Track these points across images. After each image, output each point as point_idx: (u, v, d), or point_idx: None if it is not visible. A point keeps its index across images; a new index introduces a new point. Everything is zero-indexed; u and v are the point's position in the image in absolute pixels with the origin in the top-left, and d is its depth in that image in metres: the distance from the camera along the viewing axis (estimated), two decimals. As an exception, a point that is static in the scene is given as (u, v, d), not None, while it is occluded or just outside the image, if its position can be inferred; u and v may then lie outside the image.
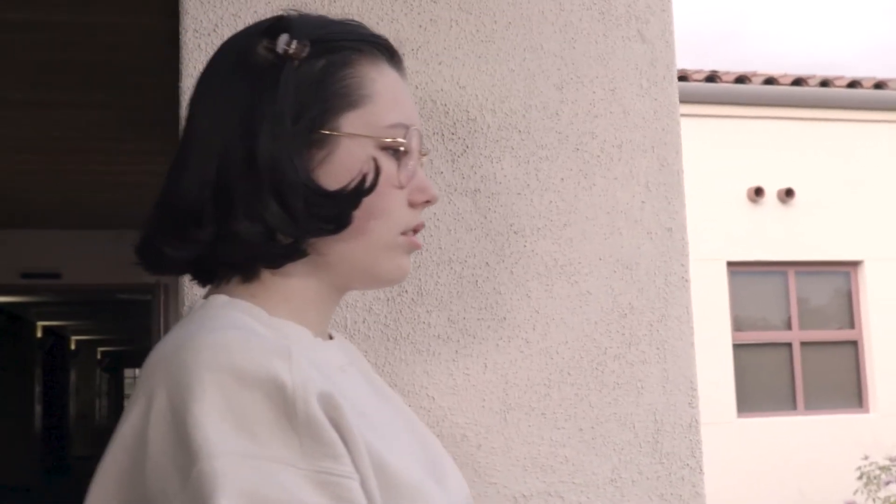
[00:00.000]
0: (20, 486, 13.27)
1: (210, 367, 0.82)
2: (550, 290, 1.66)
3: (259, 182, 0.93)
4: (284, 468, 0.80)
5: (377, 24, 1.65)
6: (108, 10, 3.75)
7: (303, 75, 0.95)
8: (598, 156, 1.71)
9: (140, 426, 0.84)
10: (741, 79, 10.22)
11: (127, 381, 29.34)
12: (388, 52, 1.03)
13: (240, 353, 0.83)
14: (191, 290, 1.55)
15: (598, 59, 1.74)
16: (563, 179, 1.69)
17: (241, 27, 1.60)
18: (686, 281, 1.72)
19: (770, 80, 10.26)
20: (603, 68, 1.74)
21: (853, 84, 10.40)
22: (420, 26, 1.67)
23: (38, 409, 14.84)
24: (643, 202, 1.72)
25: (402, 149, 0.98)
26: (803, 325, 10.39)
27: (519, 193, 1.68)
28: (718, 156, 10.00)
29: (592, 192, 1.70)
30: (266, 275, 0.98)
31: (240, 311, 0.94)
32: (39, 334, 15.52)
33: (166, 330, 1.46)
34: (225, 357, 0.83)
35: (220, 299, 0.96)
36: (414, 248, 1.02)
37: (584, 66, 1.73)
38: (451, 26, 1.68)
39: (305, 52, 0.95)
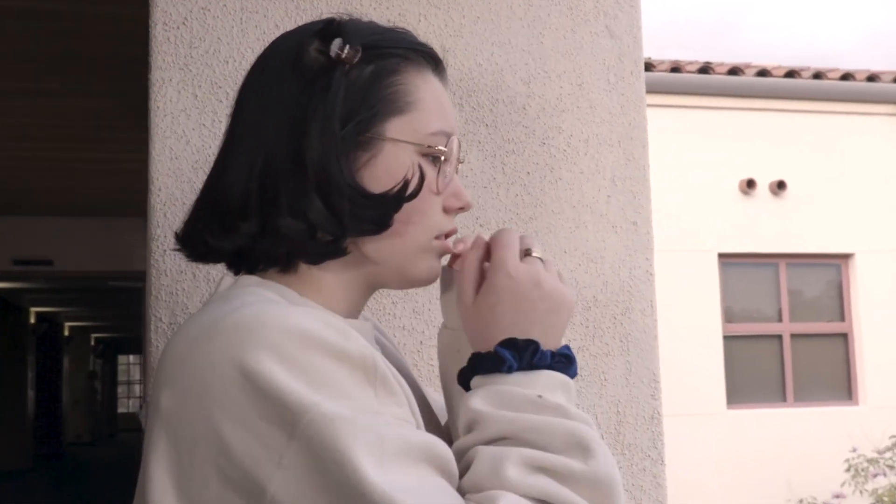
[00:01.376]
0: (14, 472, 13.31)
1: (274, 332, 0.86)
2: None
3: (305, 180, 0.96)
4: (374, 414, 0.85)
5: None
6: None
7: (352, 79, 0.99)
8: (565, 150, 1.73)
9: (201, 399, 0.86)
10: (734, 70, 10.23)
11: (120, 368, 29.39)
12: (432, 61, 1.06)
13: (300, 318, 0.88)
14: (158, 279, 1.57)
15: (565, 54, 1.76)
16: (529, 173, 1.71)
17: (209, 20, 1.62)
18: (650, 275, 1.74)
19: (763, 72, 10.27)
20: (570, 63, 1.76)
21: (846, 76, 10.41)
22: (388, 20, 1.68)
23: (31, 394, 14.86)
24: (609, 196, 1.74)
25: (442, 157, 1.02)
26: (794, 318, 10.42)
27: (485, 187, 1.69)
28: (711, 147, 10.01)
29: (558, 185, 1.72)
30: (303, 267, 1.01)
31: (272, 290, 0.98)
32: (33, 320, 15.54)
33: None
34: (286, 321, 0.87)
35: (252, 279, 1.00)
36: (446, 251, 1.06)
37: (552, 61, 1.75)
38: (420, 20, 1.70)
39: (357, 57, 0.99)
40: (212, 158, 1.58)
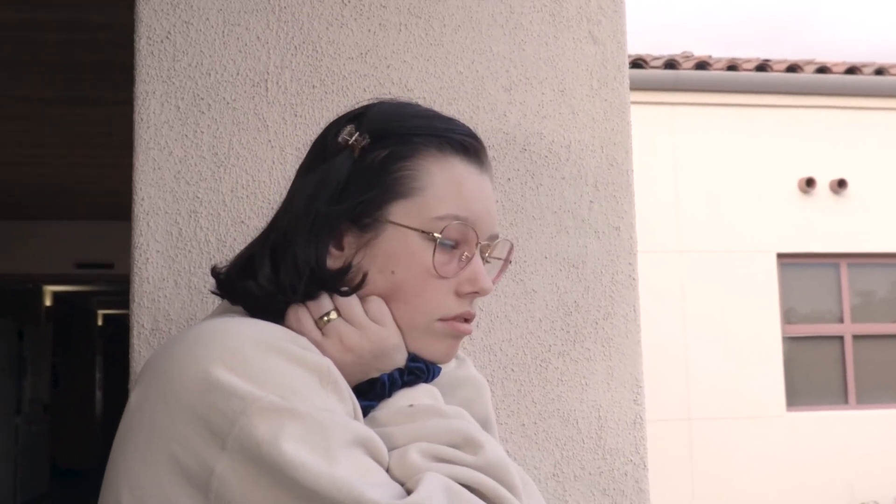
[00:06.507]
0: (82, 470, 13.60)
1: (233, 337, 0.94)
2: (495, 289, 1.69)
3: (266, 244, 1.04)
4: (322, 410, 0.91)
5: (326, 28, 1.69)
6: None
7: (361, 164, 1.04)
8: (546, 156, 1.74)
9: (163, 394, 0.93)
10: (793, 67, 10.07)
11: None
12: (461, 147, 1.07)
13: (259, 326, 0.96)
14: (140, 286, 1.61)
15: (547, 60, 1.77)
16: (509, 179, 1.72)
17: (192, 34, 1.66)
18: (633, 279, 1.74)
19: (823, 69, 10.09)
20: (552, 70, 1.76)
21: (908, 72, 10.19)
22: (369, 31, 1.71)
23: (98, 395, 15.18)
24: (591, 201, 1.74)
25: (437, 240, 1.03)
26: (855, 318, 10.22)
27: (465, 193, 1.71)
28: (769, 146, 9.86)
29: (539, 191, 1.73)
30: None
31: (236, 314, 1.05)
32: (100, 322, 15.86)
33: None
34: (245, 328, 0.95)
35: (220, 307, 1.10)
36: (459, 333, 1.07)
37: (534, 67, 1.76)
38: (400, 30, 1.72)
39: (363, 143, 1.04)
40: (194, 168, 1.63)
